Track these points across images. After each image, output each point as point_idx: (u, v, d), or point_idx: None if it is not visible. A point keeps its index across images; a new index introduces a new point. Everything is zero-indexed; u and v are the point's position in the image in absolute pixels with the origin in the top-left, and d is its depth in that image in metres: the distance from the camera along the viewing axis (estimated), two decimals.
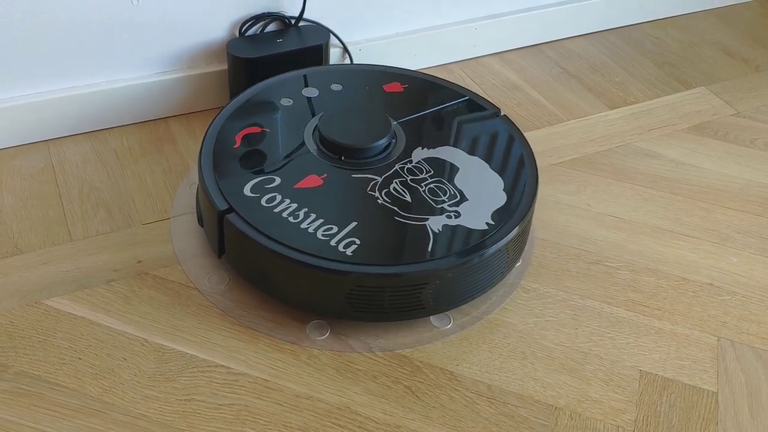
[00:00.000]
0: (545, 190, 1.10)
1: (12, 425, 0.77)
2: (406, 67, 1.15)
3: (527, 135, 1.18)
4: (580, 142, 1.21)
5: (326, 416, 0.80)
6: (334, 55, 1.24)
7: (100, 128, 1.16)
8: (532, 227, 1.04)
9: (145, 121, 1.19)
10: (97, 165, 1.10)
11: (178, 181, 1.08)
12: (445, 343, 0.88)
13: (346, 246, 0.85)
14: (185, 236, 0.99)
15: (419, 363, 0.86)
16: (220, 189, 0.90)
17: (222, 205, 0.89)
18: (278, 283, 0.88)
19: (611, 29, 1.52)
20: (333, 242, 0.85)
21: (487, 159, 0.99)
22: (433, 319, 0.91)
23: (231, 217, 0.88)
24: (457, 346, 0.88)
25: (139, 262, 0.96)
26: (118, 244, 0.98)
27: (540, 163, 1.14)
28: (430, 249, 0.86)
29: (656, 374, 0.87)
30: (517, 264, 0.98)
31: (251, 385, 0.83)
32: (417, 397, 0.83)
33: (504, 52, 1.42)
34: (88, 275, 0.93)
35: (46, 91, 1.11)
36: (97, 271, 0.94)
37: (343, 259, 0.84)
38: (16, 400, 0.80)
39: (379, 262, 0.84)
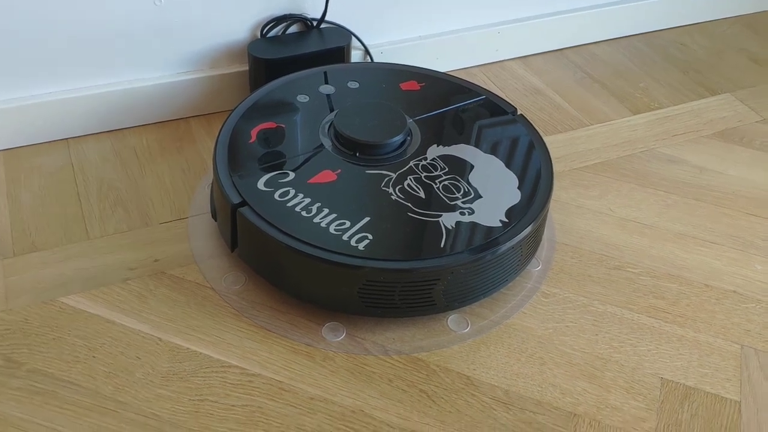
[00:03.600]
0: (567, 195, 1.09)
1: (24, 423, 0.77)
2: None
3: (549, 139, 1.17)
4: (603, 147, 1.19)
5: (340, 419, 0.79)
6: (356, 58, 1.24)
7: (120, 127, 1.16)
8: (553, 231, 1.02)
9: (165, 121, 1.18)
10: (117, 164, 1.10)
11: (197, 181, 1.08)
12: (463, 347, 0.87)
13: (359, 241, 0.84)
14: (202, 236, 0.99)
15: (435, 367, 0.85)
16: (233, 183, 0.90)
17: (235, 199, 0.88)
18: (290, 277, 0.88)
19: (636, 35, 1.50)
20: (345, 237, 0.85)
21: (503, 157, 0.98)
22: (450, 322, 0.90)
23: (244, 210, 0.87)
24: (475, 351, 0.87)
25: (155, 261, 0.95)
26: (135, 242, 0.98)
27: (562, 167, 1.13)
28: (442, 245, 0.85)
29: (678, 382, 0.85)
30: (537, 268, 0.97)
31: (265, 386, 0.82)
32: (432, 401, 0.81)
33: (527, 56, 1.41)
34: (105, 273, 0.93)
35: (66, 90, 1.11)
36: (114, 269, 0.94)
37: (355, 254, 0.83)
38: (29, 397, 0.79)
39: (391, 257, 0.83)
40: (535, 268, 0.97)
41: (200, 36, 1.14)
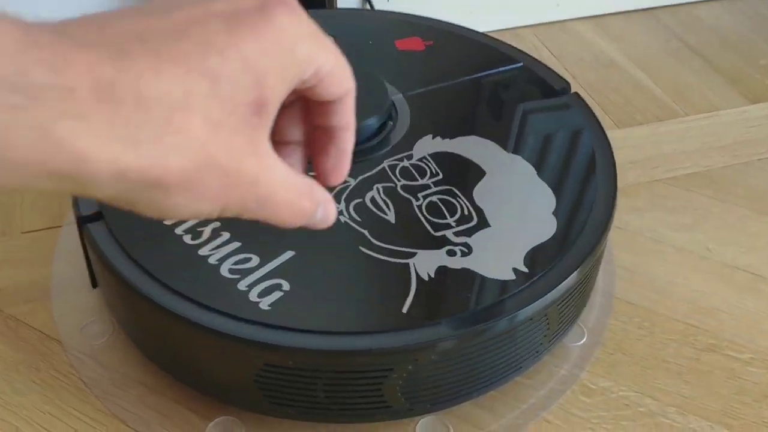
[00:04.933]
0: (642, 221, 0.71)
1: None
2: None
3: (622, 133, 0.81)
4: (704, 150, 0.80)
5: None
6: (347, 3, 0.88)
7: None
8: (612, 280, 0.65)
9: None
10: None
11: None
12: None
13: (264, 293, 0.50)
14: (73, 257, 0.66)
15: None
16: None
17: (86, 208, 0.55)
18: (157, 343, 0.54)
19: None
20: (243, 285, 0.50)
21: (535, 161, 0.61)
22: (419, 430, 0.54)
23: (93, 228, 0.54)
24: None
25: None
26: None
27: (638, 177, 0.76)
28: (406, 308, 0.49)
29: None
30: (580, 342, 0.60)
31: None
32: None
33: (601, 15, 1.02)
34: None
35: None
36: None
37: (253, 317, 0.48)
38: None
39: (310, 326, 0.48)
40: (575, 341, 0.60)
41: None
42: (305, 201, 0.34)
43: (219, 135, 0.29)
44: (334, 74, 0.32)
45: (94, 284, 0.60)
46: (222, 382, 0.52)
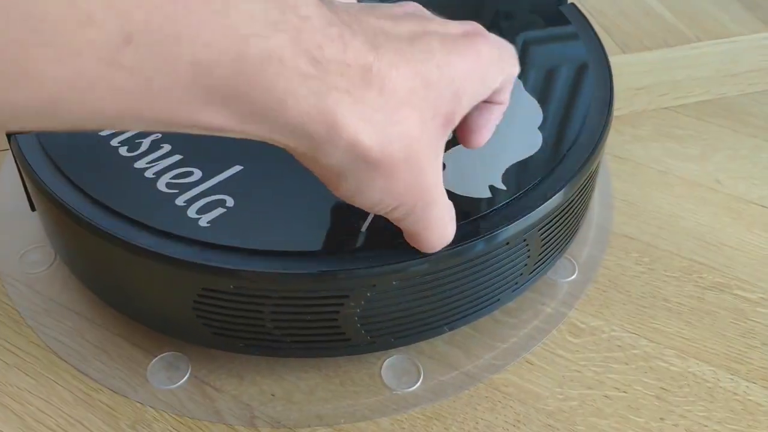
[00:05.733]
0: (647, 150, 0.65)
1: None
2: None
3: (630, 58, 0.74)
4: (716, 77, 0.73)
5: None
6: None
7: None
8: (610, 213, 0.59)
9: None
10: None
11: None
12: (402, 424, 0.46)
13: (204, 210, 0.44)
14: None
15: None
16: None
17: None
18: (90, 268, 0.49)
19: None
20: (181, 200, 0.44)
21: (523, 73, 0.55)
22: (384, 372, 0.48)
23: (21, 140, 0.48)
24: (425, 431, 0.46)
25: None
26: None
27: (644, 104, 0.69)
28: (365, 227, 0.43)
29: None
30: (569, 278, 0.54)
31: None
32: None
33: None
34: None
35: None
36: None
37: (191, 235, 0.42)
38: None
39: (253, 245, 0.42)
40: (564, 277, 0.54)
41: None
42: (450, 226, 0.38)
43: (424, 135, 0.32)
44: (505, 85, 0.38)
45: (33, 206, 0.54)
46: (160, 311, 0.46)
